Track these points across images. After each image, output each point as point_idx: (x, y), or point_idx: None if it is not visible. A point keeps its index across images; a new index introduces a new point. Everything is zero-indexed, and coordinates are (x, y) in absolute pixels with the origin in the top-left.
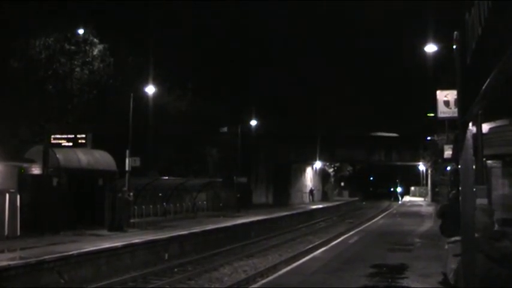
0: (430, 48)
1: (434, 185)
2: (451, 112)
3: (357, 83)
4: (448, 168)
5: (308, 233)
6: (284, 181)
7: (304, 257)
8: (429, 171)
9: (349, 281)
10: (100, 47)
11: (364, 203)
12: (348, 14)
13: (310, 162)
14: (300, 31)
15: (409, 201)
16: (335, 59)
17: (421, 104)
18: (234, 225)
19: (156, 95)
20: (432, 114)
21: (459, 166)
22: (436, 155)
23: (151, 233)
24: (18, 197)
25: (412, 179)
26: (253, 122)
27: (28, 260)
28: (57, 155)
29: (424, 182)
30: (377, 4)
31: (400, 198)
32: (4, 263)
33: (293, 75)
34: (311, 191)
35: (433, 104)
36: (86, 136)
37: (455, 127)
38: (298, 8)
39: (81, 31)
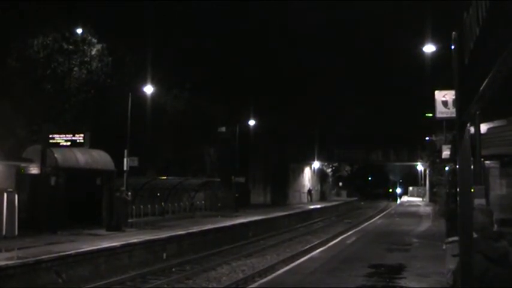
0: (429, 48)
1: (432, 185)
2: (449, 112)
3: (355, 83)
4: (447, 168)
5: (306, 233)
6: (282, 181)
7: (302, 257)
8: (427, 172)
9: (347, 280)
10: (98, 46)
11: (362, 203)
12: (347, 13)
13: (308, 162)
14: (300, 31)
15: (407, 202)
16: (334, 58)
17: (419, 104)
18: (232, 225)
19: (154, 95)
20: (430, 115)
21: (457, 166)
22: (434, 155)
23: (150, 232)
24: (16, 196)
25: (410, 179)
26: (252, 122)
27: (26, 260)
28: (55, 155)
29: (422, 182)
30: (376, 4)
31: (398, 199)
32: (2, 263)
33: (292, 74)
34: (309, 191)
35: (431, 104)
36: (84, 136)
37: (453, 127)
38: (297, 7)
39: (79, 30)
